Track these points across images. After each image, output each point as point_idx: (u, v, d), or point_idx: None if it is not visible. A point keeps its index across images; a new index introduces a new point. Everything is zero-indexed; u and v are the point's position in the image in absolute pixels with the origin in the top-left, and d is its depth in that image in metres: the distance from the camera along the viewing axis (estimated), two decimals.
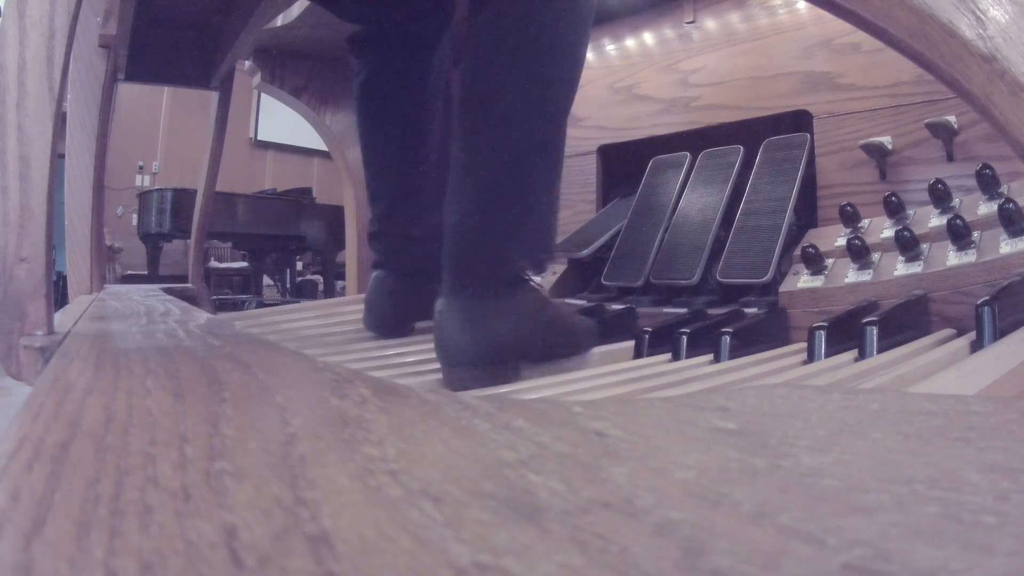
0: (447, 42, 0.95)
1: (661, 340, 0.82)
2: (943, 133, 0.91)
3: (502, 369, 0.68)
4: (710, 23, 1.23)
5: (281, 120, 5.38)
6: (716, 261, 1.01)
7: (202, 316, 0.67)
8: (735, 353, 0.76)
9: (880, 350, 0.68)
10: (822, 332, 0.72)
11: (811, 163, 1.05)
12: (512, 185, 0.69)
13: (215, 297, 1.86)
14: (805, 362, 0.74)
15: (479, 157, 0.69)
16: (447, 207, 0.71)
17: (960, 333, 0.73)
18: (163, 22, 1.24)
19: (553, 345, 0.74)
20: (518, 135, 0.68)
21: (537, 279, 0.75)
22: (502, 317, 0.68)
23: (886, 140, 0.97)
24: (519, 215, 0.69)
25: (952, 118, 0.91)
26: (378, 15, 0.91)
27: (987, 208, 0.82)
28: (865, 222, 0.95)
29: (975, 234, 0.79)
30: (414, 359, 0.82)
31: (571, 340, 0.76)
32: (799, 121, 1.10)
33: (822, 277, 0.89)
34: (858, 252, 0.86)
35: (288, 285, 4.20)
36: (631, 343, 0.84)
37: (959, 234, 0.79)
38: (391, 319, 0.92)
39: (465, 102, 0.70)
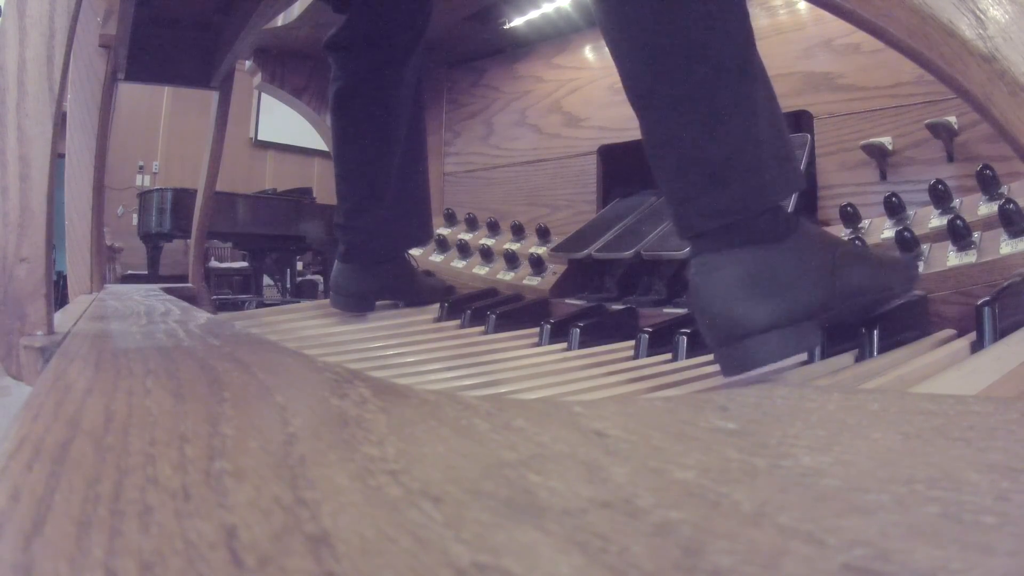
0: (419, 56, 1.08)
1: (661, 340, 0.82)
2: (944, 133, 0.91)
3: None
4: None
5: (281, 120, 5.38)
6: None
7: (202, 316, 0.67)
8: None
9: (880, 351, 0.68)
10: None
11: (811, 163, 1.05)
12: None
13: (215, 297, 1.86)
14: (805, 362, 0.74)
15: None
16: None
17: (960, 333, 0.73)
18: (163, 22, 1.24)
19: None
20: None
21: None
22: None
23: (886, 140, 0.97)
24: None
25: (953, 118, 0.90)
26: (363, 17, 1.03)
27: (987, 208, 0.82)
28: (865, 222, 0.95)
29: (975, 234, 0.79)
30: (414, 359, 0.82)
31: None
32: (799, 121, 1.09)
33: None
34: None
35: (288, 285, 4.20)
36: (631, 343, 0.84)
37: (959, 234, 0.78)
38: (357, 297, 1.11)
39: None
